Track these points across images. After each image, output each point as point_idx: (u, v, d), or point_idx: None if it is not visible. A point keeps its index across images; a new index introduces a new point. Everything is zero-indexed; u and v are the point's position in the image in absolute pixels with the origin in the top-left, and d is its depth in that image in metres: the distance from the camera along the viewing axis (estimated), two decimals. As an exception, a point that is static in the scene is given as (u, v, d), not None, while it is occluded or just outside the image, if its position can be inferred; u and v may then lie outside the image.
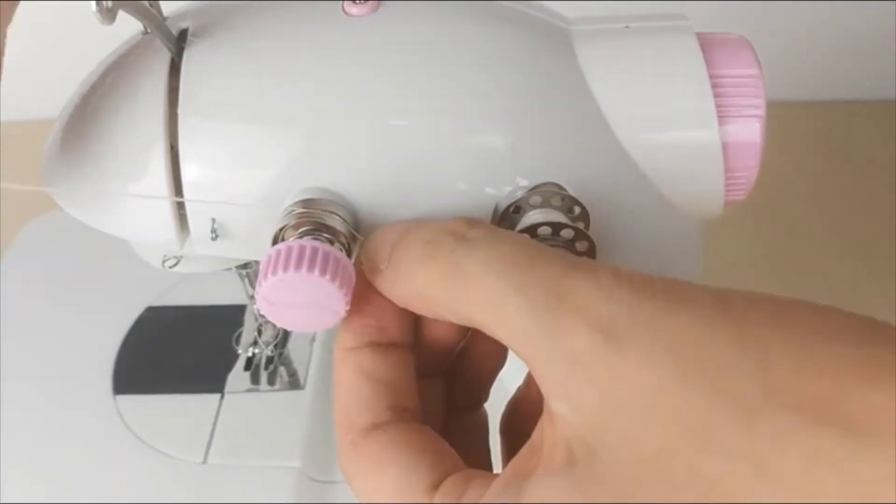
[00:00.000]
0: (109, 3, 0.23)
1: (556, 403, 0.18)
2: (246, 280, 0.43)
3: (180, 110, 0.26)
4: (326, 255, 0.23)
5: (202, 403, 0.44)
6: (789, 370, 0.17)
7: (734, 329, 0.17)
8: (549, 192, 0.26)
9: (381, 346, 0.23)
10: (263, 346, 0.45)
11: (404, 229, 0.22)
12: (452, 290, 0.20)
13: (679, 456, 0.17)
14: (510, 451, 0.24)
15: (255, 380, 0.45)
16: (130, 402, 0.44)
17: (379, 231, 0.23)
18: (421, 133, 0.26)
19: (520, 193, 0.26)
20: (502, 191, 0.26)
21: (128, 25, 0.26)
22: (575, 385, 0.18)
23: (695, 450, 0.17)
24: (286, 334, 0.45)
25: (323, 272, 0.22)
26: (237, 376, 0.45)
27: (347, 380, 0.23)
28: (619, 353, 0.17)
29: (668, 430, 0.17)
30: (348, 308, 0.23)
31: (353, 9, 0.27)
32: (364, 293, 0.23)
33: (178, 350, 0.47)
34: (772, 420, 0.16)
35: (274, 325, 0.24)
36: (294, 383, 0.45)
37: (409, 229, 0.22)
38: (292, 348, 0.46)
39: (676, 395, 0.17)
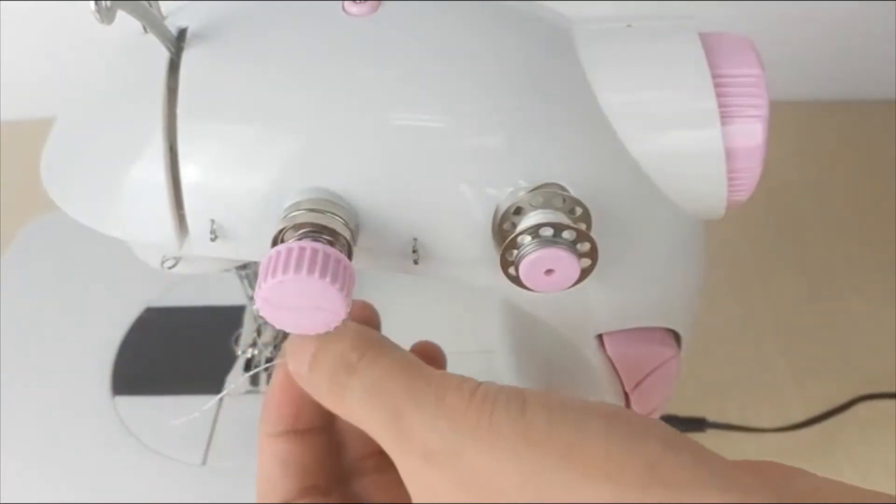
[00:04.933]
0: (108, 3, 0.23)
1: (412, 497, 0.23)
2: (245, 281, 0.43)
3: (179, 111, 0.26)
4: (327, 257, 0.22)
5: (201, 404, 0.44)
6: None
7: (525, 467, 0.21)
8: (551, 193, 0.25)
9: (297, 432, 0.27)
10: (263, 348, 0.45)
11: (317, 347, 0.25)
12: (344, 412, 0.24)
13: None
14: None
15: (255, 381, 0.45)
16: (129, 402, 0.44)
17: (299, 337, 0.26)
18: (421, 133, 0.26)
19: (521, 194, 0.26)
20: (503, 191, 0.26)
21: (128, 25, 0.26)
22: (412, 493, 0.23)
23: None
24: (285, 335, 0.45)
25: (323, 274, 0.22)
26: (236, 377, 0.45)
27: (264, 464, 0.27)
28: (433, 475, 0.22)
29: None
30: (349, 310, 0.23)
31: (354, 8, 0.27)
32: (283, 383, 0.27)
33: (177, 351, 0.47)
34: None
35: (273, 326, 0.24)
36: (294, 384, 0.44)
37: (319, 350, 0.25)
38: (292, 349, 0.45)
39: None
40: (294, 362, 0.25)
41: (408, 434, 0.22)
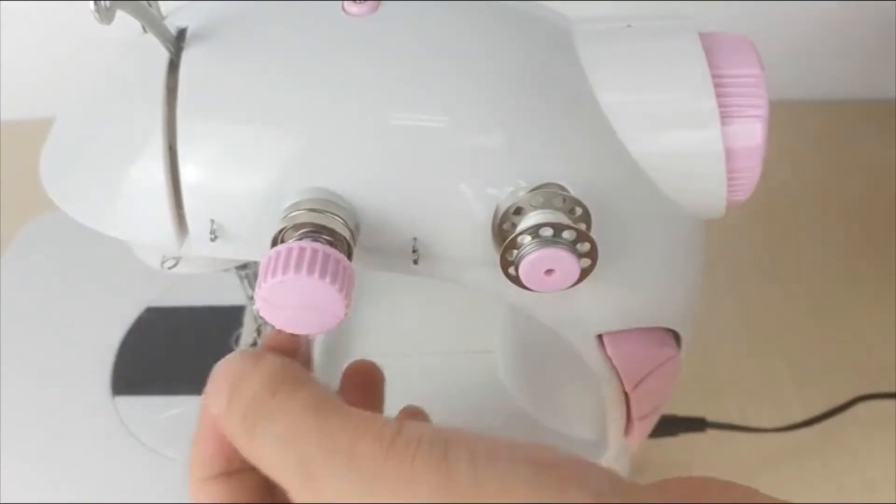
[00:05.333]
0: (108, 3, 0.23)
1: None
2: (245, 281, 0.43)
3: (179, 111, 0.26)
4: (326, 257, 0.22)
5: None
6: None
7: None
8: (551, 193, 0.25)
9: (231, 474, 0.25)
10: (263, 347, 0.44)
11: (232, 385, 0.24)
12: (254, 458, 0.23)
13: None
14: None
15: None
16: (129, 403, 0.44)
17: (217, 376, 0.25)
18: (421, 133, 0.26)
19: (521, 194, 0.26)
20: (503, 191, 0.26)
21: (127, 25, 0.26)
22: None
23: None
24: (285, 335, 0.45)
25: (323, 274, 0.22)
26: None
27: None
28: None
29: None
30: (349, 310, 0.23)
31: (354, 8, 0.27)
32: (209, 425, 0.25)
33: (178, 351, 0.47)
34: None
35: (273, 326, 0.24)
36: (294, 384, 0.44)
37: (233, 389, 0.24)
38: (292, 349, 0.45)
39: None
40: (212, 402, 0.24)
41: (317, 488, 0.21)
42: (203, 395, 0.25)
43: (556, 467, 0.20)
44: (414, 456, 0.20)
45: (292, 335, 0.27)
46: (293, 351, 0.27)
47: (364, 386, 0.31)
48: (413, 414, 0.31)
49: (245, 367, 0.24)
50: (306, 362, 0.29)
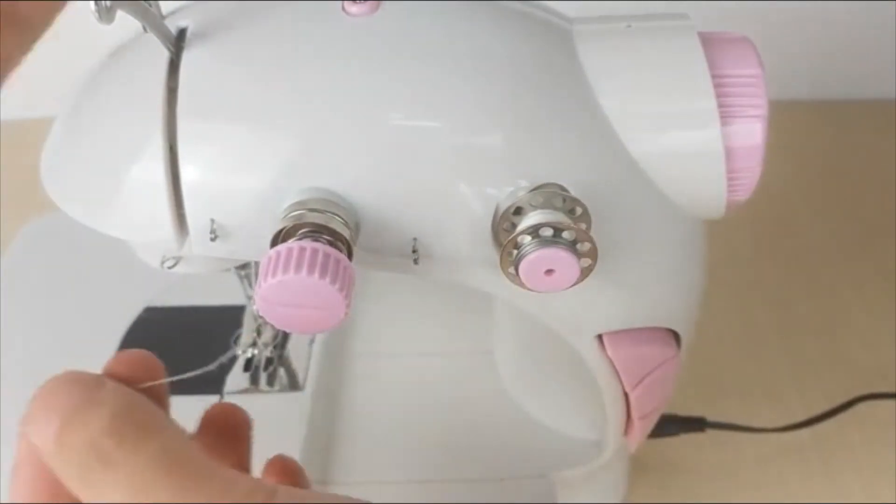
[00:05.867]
0: (108, 3, 0.23)
1: None
2: (245, 281, 0.43)
3: (179, 111, 0.26)
4: (327, 257, 0.22)
5: (201, 404, 0.43)
6: None
7: None
8: (551, 193, 0.25)
9: None
10: (263, 347, 0.44)
11: (63, 419, 0.20)
12: None
13: None
14: None
15: (255, 381, 0.45)
16: (129, 403, 0.44)
17: (42, 400, 0.21)
18: (421, 133, 0.26)
19: (521, 194, 0.26)
20: (503, 191, 0.26)
21: (128, 25, 0.26)
22: None
23: None
24: (285, 335, 0.45)
25: (323, 274, 0.22)
26: (236, 377, 0.45)
27: None
28: None
29: None
30: (349, 310, 0.23)
31: (354, 8, 0.27)
32: (30, 457, 0.22)
33: (177, 351, 0.47)
34: None
35: (273, 326, 0.24)
36: (293, 384, 0.44)
37: (64, 424, 0.20)
38: (291, 349, 0.45)
39: None
40: (37, 434, 0.21)
41: None
42: (23, 418, 0.21)
43: None
44: None
45: (142, 358, 0.25)
46: (142, 379, 0.23)
47: (226, 432, 0.28)
48: (284, 466, 0.27)
49: (81, 398, 0.21)
50: (159, 392, 0.25)
